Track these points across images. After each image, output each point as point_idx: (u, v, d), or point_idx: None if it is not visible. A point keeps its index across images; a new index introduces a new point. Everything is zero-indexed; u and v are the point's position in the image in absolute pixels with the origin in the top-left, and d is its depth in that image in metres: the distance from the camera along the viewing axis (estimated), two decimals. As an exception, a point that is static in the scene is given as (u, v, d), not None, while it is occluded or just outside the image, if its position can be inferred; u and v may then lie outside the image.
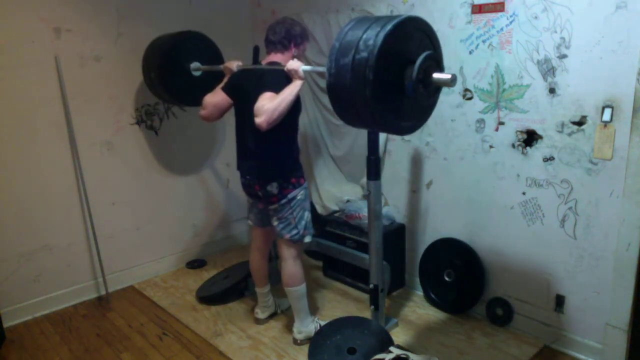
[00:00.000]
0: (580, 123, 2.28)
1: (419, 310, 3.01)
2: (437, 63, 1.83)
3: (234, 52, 3.77)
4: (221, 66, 2.74)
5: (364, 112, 1.78)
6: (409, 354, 2.31)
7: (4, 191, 2.91)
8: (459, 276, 2.87)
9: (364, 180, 2.85)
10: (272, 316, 2.95)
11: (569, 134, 2.32)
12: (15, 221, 2.97)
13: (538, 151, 2.45)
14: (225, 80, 2.62)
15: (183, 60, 3.02)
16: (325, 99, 3.41)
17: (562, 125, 2.34)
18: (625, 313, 2.30)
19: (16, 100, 2.87)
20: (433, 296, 3.02)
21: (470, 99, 2.67)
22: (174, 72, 2.99)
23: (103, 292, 3.35)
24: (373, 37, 1.66)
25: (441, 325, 2.83)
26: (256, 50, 3.26)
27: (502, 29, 2.45)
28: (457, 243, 2.87)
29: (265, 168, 2.48)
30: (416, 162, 3.02)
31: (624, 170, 2.18)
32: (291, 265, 2.59)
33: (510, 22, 2.41)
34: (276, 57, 2.48)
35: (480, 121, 2.65)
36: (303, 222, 2.55)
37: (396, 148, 3.10)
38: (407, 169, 3.08)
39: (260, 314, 2.90)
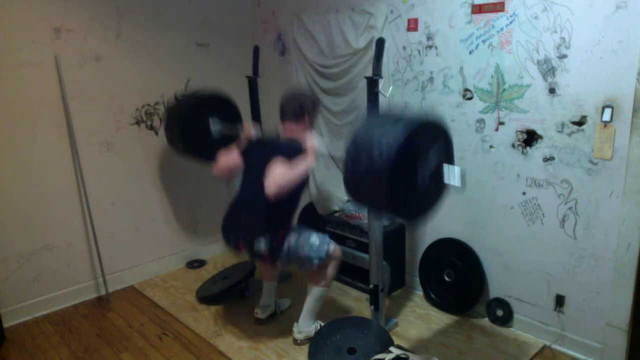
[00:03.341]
0: (580, 123, 2.28)
1: (419, 310, 3.01)
2: (448, 160, 1.95)
3: (234, 52, 3.80)
4: (240, 130, 2.87)
5: (378, 205, 1.96)
6: (409, 354, 2.31)
7: (4, 191, 2.91)
8: (459, 276, 2.87)
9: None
10: (272, 316, 2.95)
11: (569, 134, 2.32)
12: (15, 221, 2.97)
13: (538, 151, 2.45)
14: (242, 144, 2.71)
15: (204, 117, 3.10)
16: (326, 99, 3.41)
17: (562, 125, 2.34)
18: (625, 313, 2.30)
19: (16, 100, 2.87)
20: (433, 296, 3.02)
21: (470, 99, 2.67)
22: (194, 128, 3.07)
23: (103, 292, 3.35)
24: (386, 148, 1.75)
25: (441, 325, 2.83)
26: (256, 51, 3.27)
27: (502, 29, 2.45)
28: (457, 243, 2.87)
29: (254, 222, 2.49)
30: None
31: (624, 170, 2.18)
32: (331, 268, 2.62)
33: (510, 22, 2.41)
34: (291, 126, 2.58)
35: (480, 121, 2.65)
36: (316, 246, 2.53)
37: (396, 148, 3.10)
38: (407, 169, 3.08)
39: (260, 314, 2.90)
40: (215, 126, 3.10)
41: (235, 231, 2.58)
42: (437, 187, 1.91)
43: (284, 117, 2.60)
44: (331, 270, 2.62)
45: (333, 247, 2.60)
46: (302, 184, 2.45)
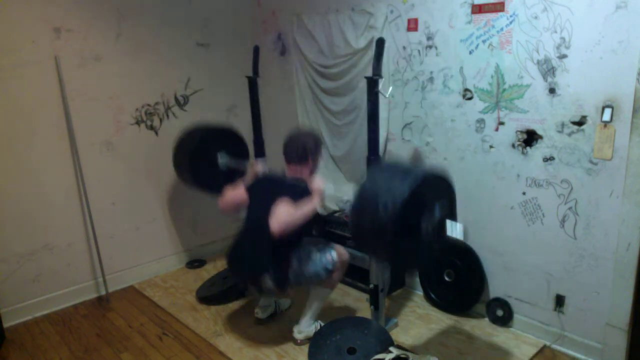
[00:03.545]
0: (580, 123, 2.28)
1: (419, 310, 3.01)
2: (451, 215, 2.00)
3: (234, 52, 3.80)
4: (248, 166, 2.99)
5: (383, 256, 2.07)
6: (409, 354, 2.31)
7: (4, 191, 2.91)
8: (459, 276, 2.87)
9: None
10: (272, 316, 2.95)
11: (569, 134, 2.32)
12: (15, 221, 2.97)
13: (538, 151, 2.45)
14: (249, 180, 2.76)
15: (212, 151, 3.16)
16: (326, 99, 3.41)
17: (562, 125, 2.34)
18: (625, 313, 2.30)
19: (16, 100, 2.87)
20: (433, 296, 3.02)
21: (470, 99, 2.67)
22: (202, 161, 3.13)
23: (103, 292, 3.35)
24: (391, 201, 1.80)
25: (441, 325, 2.83)
26: (256, 51, 3.27)
27: (502, 29, 2.45)
28: (457, 243, 2.87)
29: (257, 260, 2.50)
30: (416, 162, 3.02)
31: (624, 170, 2.18)
32: (338, 272, 2.63)
33: (510, 22, 2.41)
34: (296, 168, 2.62)
35: (480, 121, 2.65)
36: (318, 260, 2.54)
37: (396, 148, 3.10)
38: (407, 169, 3.08)
39: (261, 314, 2.90)
40: (223, 160, 3.17)
41: (241, 270, 2.63)
42: (439, 239, 1.96)
43: (288, 161, 2.65)
44: (338, 273, 2.63)
45: (335, 253, 2.59)
46: (306, 224, 2.46)
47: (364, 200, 1.93)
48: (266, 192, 2.55)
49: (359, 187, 1.99)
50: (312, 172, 2.67)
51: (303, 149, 2.59)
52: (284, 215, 2.32)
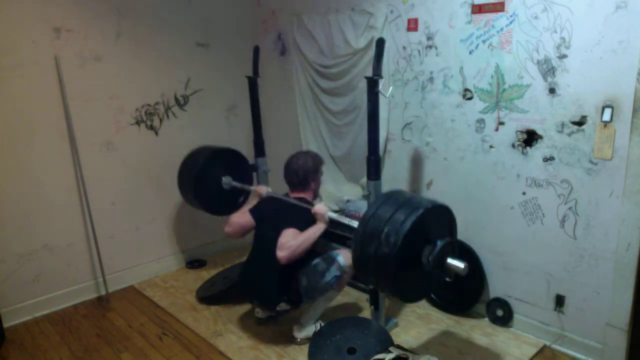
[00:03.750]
0: (580, 123, 2.28)
1: (419, 310, 3.01)
2: (452, 249, 2.03)
3: (234, 52, 3.80)
4: (252, 188, 3.06)
5: (384, 286, 2.08)
6: (409, 354, 2.31)
7: (4, 191, 2.91)
8: (459, 276, 2.86)
9: (364, 180, 2.86)
10: (272, 316, 2.95)
11: (569, 134, 2.32)
12: (15, 221, 2.97)
13: (538, 151, 2.45)
14: (253, 202, 2.84)
15: (216, 173, 3.22)
16: (326, 99, 3.41)
17: (562, 125, 2.34)
18: (625, 313, 2.30)
19: (16, 100, 2.87)
20: (433, 296, 3.02)
21: (470, 99, 2.67)
22: (207, 183, 3.17)
23: (103, 292, 3.35)
24: (394, 233, 1.85)
25: (441, 325, 2.83)
26: (256, 51, 3.27)
27: (502, 29, 2.45)
28: (457, 243, 2.86)
29: (272, 290, 2.55)
30: (416, 162, 3.02)
31: (624, 170, 2.18)
32: (347, 276, 2.64)
33: (510, 22, 2.41)
34: (300, 193, 2.71)
35: (480, 121, 2.65)
36: (326, 270, 2.56)
37: (396, 148, 3.10)
38: (407, 169, 3.08)
39: (261, 313, 2.90)
40: (227, 183, 3.21)
41: (255, 299, 2.69)
42: (440, 270, 1.99)
43: (291, 187, 2.72)
44: (347, 276, 2.65)
45: (342, 259, 2.60)
46: (311, 248, 2.51)
47: (367, 230, 1.96)
48: (271, 218, 2.61)
49: (363, 216, 2.03)
50: (316, 192, 2.75)
51: (303, 174, 2.67)
52: (289, 245, 2.38)
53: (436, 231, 1.98)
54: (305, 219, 2.52)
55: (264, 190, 2.90)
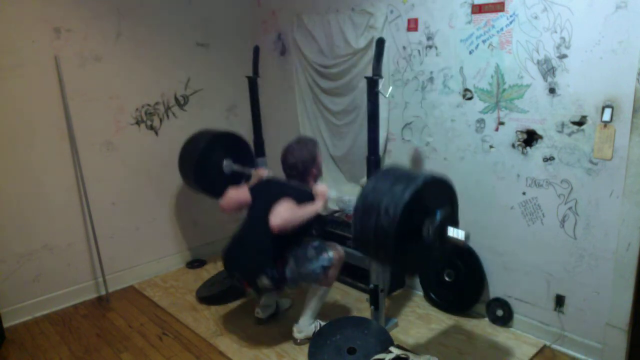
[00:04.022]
0: (580, 123, 2.28)
1: (419, 310, 3.01)
2: (452, 221, 2.02)
3: (234, 52, 3.80)
4: (252, 170, 3.03)
5: (385, 259, 2.05)
6: (409, 354, 2.31)
7: (4, 191, 2.91)
8: (459, 276, 2.87)
9: (364, 180, 2.85)
10: (272, 316, 2.95)
11: (569, 134, 2.32)
12: (15, 221, 2.97)
13: (538, 151, 2.45)
14: (253, 181, 2.82)
15: (217, 156, 3.20)
16: (326, 99, 3.41)
17: (562, 125, 2.34)
18: (625, 313, 2.30)
19: (16, 100, 2.87)
20: (433, 296, 3.02)
21: (470, 99, 2.67)
22: (207, 167, 3.16)
23: (103, 292, 3.35)
24: (393, 205, 1.82)
25: (441, 325, 2.83)
26: (256, 51, 3.27)
27: (502, 29, 2.45)
28: (457, 243, 2.86)
29: (253, 260, 2.51)
30: (416, 162, 3.02)
31: (624, 170, 2.18)
32: (334, 269, 2.63)
33: (510, 22, 2.41)
34: (302, 181, 2.66)
35: (480, 121, 2.65)
36: (315, 258, 2.54)
37: (396, 148, 3.10)
38: (407, 169, 3.08)
39: (261, 313, 2.90)
40: (228, 166, 3.20)
41: (238, 268, 2.63)
42: (441, 242, 1.97)
43: (290, 178, 2.67)
44: (333, 270, 2.63)
45: (332, 251, 2.60)
46: (306, 225, 2.48)
47: (366, 203, 1.94)
48: (269, 192, 2.56)
49: (361, 190, 2.00)
50: (316, 177, 2.71)
51: (302, 164, 2.62)
52: (284, 212, 2.34)
53: (436, 204, 1.95)
54: (304, 195, 2.49)
55: (264, 173, 2.88)
